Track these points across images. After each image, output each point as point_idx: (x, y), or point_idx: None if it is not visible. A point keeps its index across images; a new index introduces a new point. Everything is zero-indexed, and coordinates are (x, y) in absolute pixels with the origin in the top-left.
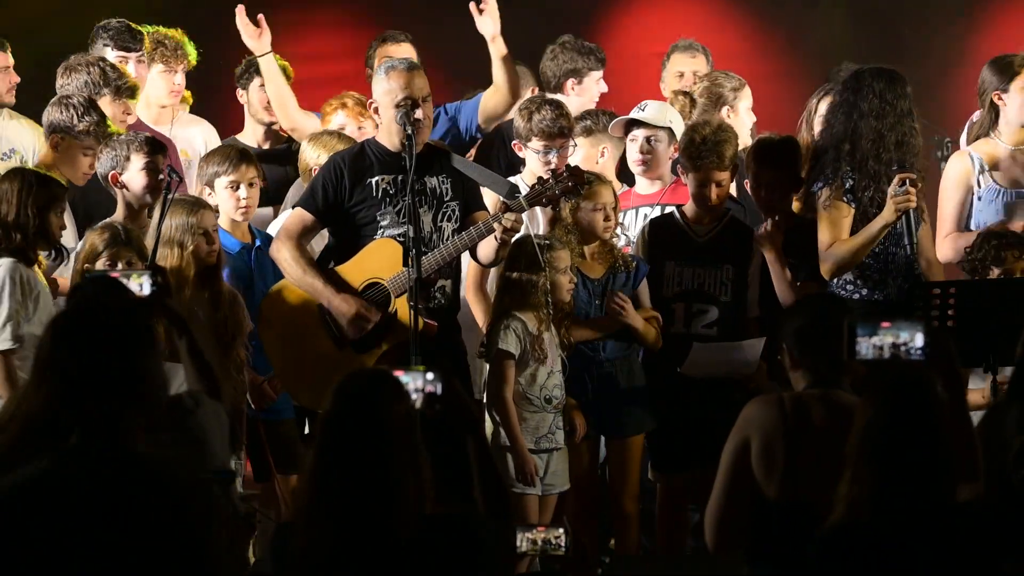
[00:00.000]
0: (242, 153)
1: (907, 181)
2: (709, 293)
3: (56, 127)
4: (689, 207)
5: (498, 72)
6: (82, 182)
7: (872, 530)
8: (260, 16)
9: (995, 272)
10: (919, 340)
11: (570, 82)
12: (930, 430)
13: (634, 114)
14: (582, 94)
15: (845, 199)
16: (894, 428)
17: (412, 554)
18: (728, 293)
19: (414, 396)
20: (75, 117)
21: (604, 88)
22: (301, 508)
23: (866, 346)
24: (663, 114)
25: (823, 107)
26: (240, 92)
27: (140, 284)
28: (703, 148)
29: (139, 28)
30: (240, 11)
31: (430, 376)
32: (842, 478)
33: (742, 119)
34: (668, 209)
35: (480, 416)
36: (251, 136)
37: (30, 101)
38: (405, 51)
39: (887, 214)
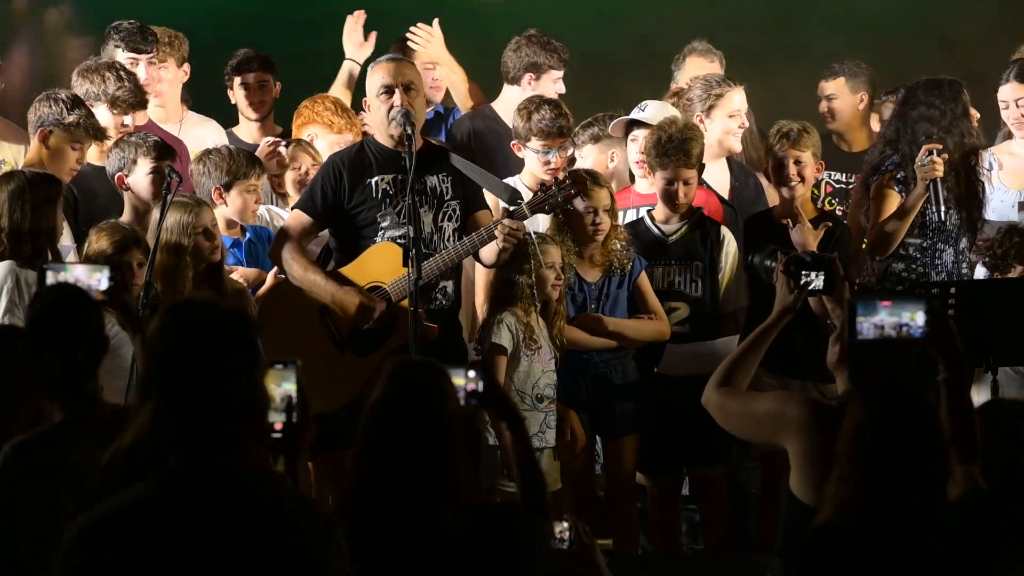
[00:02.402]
0: (257, 159)
1: (933, 151)
2: (679, 291)
3: (45, 121)
4: (658, 209)
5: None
6: (68, 178)
7: (859, 531)
8: (373, 34)
9: (1018, 270)
10: (920, 318)
11: (527, 76)
12: (919, 435)
13: (634, 114)
14: (537, 89)
15: (896, 188)
16: (882, 432)
17: (458, 544)
18: (699, 289)
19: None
20: (64, 110)
21: (562, 89)
22: (347, 497)
23: (867, 327)
24: (663, 113)
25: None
26: (229, 91)
27: (98, 279)
28: (670, 146)
29: (152, 29)
30: (356, 17)
31: (472, 373)
32: (830, 478)
33: (716, 126)
34: None
35: None
36: (245, 132)
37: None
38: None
39: (918, 187)
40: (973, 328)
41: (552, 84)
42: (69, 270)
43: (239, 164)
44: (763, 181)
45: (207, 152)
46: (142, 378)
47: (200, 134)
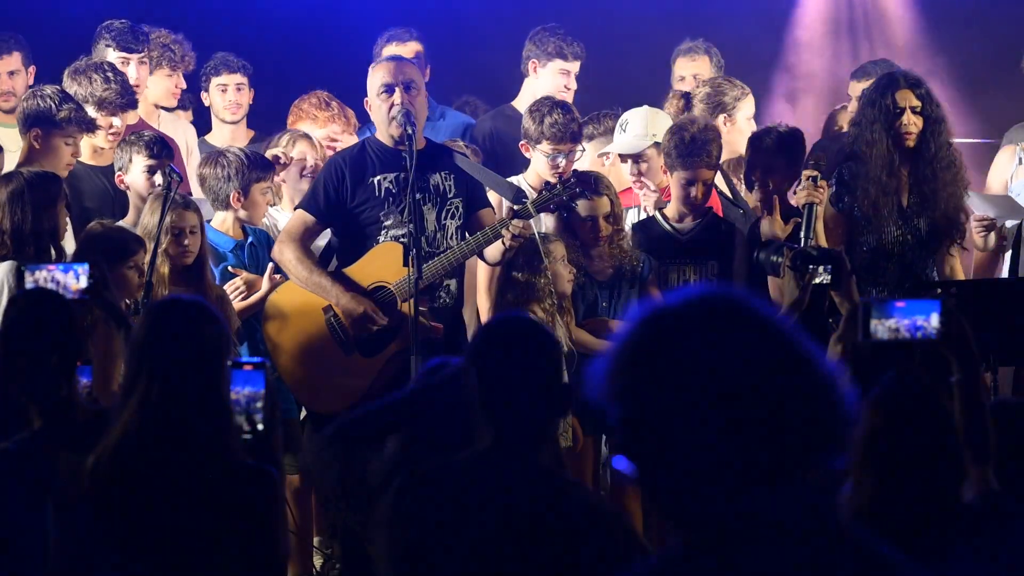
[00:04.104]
0: (269, 160)
1: (812, 177)
2: None
3: (35, 120)
4: (671, 207)
5: None
6: (64, 173)
7: (874, 534)
8: None
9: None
10: (934, 320)
11: (532, 63)
12: (933, 438)
13: (616, 141)
14: (540, 77)
15: (831, 200)
16: (896, 435)
17: None
18: None
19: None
20: (52, 107)
21: (570, 84)
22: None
23: (881, 329)
24: (645, 131)
25: None
26: (204, 94)
27: (78, 277)
28: (692, 146)
29: (143, 29)
30: None
31: None
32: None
33: (739, 127)
34: None
35: None
36: (219, 138)
37: None
38: (412, 49)
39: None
40: (973, 328)
41: (556, 75)
42: (48, 269)
43: (256, 166)
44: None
45: (219, 155)
46: (127, 374)
47: (173, 133)
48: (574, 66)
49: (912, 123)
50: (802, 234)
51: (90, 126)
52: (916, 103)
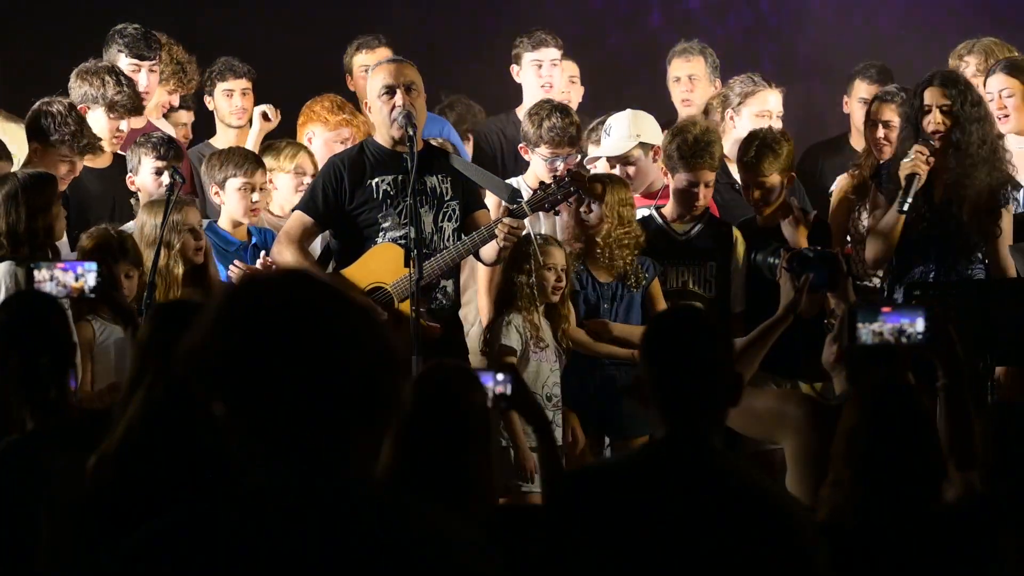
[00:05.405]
0: (256, 157)
1: (921, 151)
2: (693, 291)
3: (35, 134)
4: (669, 207)
5: None
6: (62, 187)
7: (854, 533)
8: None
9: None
10: (919, 325)
11: (514, 68)
12: (912, 438)
13: (603, 145)
14: (519, 77)
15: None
16: (876, 434)
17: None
18: (712, 289)
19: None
20: (52, 127)
21: (549, 71)
22: None
23: (866, 333)
24: (629, 132)
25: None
26: (207, 98)
27: (85, 276)
28: (696, 148)
29: (157, 36)
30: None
31: (501, 376)
32: (824, 481)
33: (744, 123)
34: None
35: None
36: (224, 142)
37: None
38: (381, 56)
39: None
40: (970, 328)
41: (529, 68)
42: (56, 268)
43: (233, 160)
44: None
45: (214, 151)
46: (131, 374)
47: None
48: (543, 54)
49: (939, 122)
50: (898, 199)
51: (86, 150)
52: (945, 102)
